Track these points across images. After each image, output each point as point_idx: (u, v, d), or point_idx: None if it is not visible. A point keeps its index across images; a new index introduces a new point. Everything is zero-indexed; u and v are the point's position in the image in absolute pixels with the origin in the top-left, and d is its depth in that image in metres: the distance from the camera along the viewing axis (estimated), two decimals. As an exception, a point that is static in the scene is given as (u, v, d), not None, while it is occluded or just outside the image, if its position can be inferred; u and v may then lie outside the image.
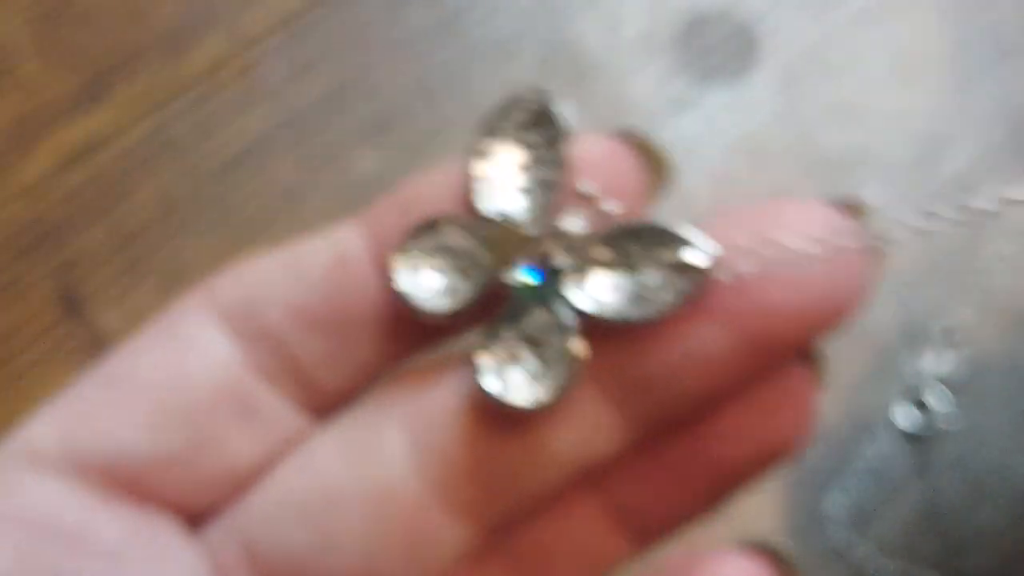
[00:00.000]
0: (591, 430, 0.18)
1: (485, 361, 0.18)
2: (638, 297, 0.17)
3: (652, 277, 0.17)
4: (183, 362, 0.19)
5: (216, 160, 0.36)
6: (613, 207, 0.18)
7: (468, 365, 0.18)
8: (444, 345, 0.19)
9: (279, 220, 0.35)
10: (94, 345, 0.34)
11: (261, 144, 0.36)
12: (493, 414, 0.18)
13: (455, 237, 0.18)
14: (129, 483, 0.18)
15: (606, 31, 0.37)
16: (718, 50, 0.37)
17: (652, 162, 0.19)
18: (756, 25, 0.38)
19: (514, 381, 0.17)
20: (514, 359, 0.18)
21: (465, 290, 0.18)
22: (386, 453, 0.18)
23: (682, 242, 0.17)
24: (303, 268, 0.19)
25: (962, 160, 0.36)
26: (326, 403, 0.19)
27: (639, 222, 0.18)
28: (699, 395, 0.17)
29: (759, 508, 0.32)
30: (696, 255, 0.17)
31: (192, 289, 0.20)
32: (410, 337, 0.19)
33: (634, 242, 0.18)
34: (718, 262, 0.17)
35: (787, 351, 0.17)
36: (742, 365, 0.17)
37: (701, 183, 0.35)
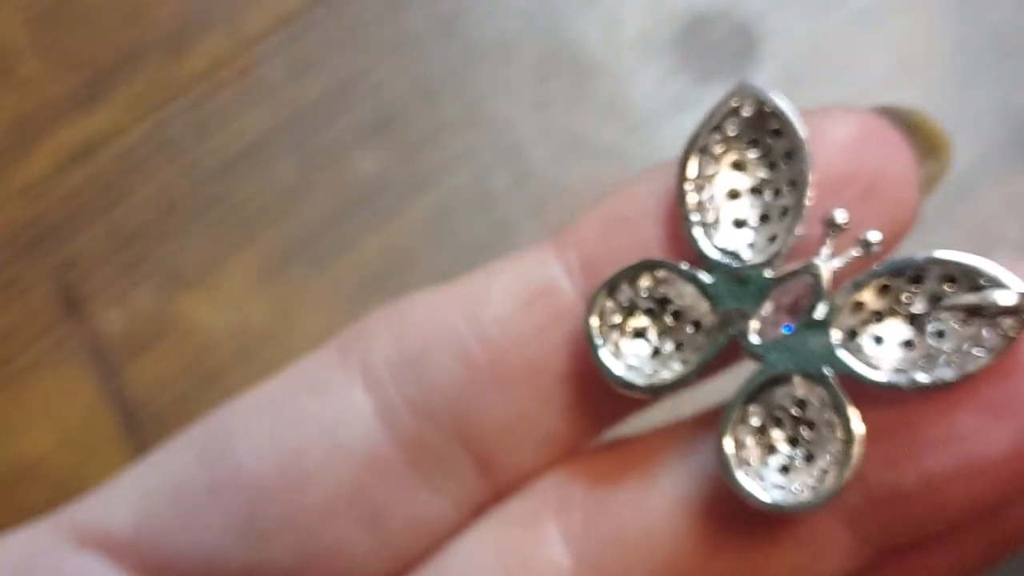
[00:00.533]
0: (816, 550, 0.13)
1: (732, 449, 0.13)
2: (930, 356, 0.13)
3: (947, 327, 0.13)
4: (307, 441, 0.14)
5: (216, 160, 0.36)
6: (875, 236, 0.13)
7: (690, 449, 0.14)
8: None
9: (279, 220, 0.35)
10: (94, 345, 0.34)
11: (261, 144, 0.36)
12: (719, 523, 0.14)
13: (667, 288, 0.14)
14: None
15: (606, 31, 0.37)
16: (718, 50, 0.37)
17: (928, 145, 0.14)
18: (756, 25, 0.38)
19: (772, 476, 0.13)
20: (769, 446, 0.14)
21: (686, 358, 0.14)
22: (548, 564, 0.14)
23: (981, 278, 0.13)
24: (486, 306, 0.14)
25: (962, 160, 0.36)
26: (496, 487, 0.15)
27: (917, 257, 0.14)
28: (964, 511, 0.13)
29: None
30: (1005, 295, 0.13)
31: (335, 337, 0.15)
32: (621, 405, 0.15)
33: (912, 283, 0.13)
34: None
35: None
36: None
37: (701, 183, 0.35)
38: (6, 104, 0.36)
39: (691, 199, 0.14)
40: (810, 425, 0.13)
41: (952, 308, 0.13)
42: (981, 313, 0.13)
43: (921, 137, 0.15)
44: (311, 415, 0.14)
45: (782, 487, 0.13)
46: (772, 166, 0.14)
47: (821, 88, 0.37)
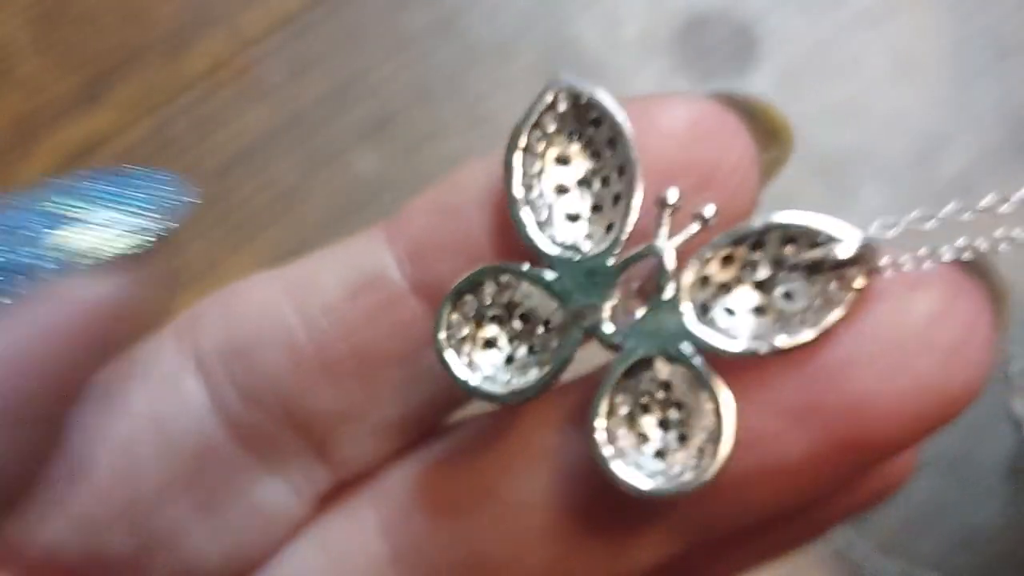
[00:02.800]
0: (629, 542, 0.14)
1: (605, 441, 0.13)
2: (784, 318, 0.13)
3: (795, 287, 0.13)
4: (139, 431, 0.14)
5: (216, 160, 0.36)
6: (711, 211, 0.13)
7: (542, 432, 0.14)
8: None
9: (279, 220, 0.35)
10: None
11: (261, 144, 0.36)
12: (532, 518, 0.13)
13: (512, 292, 0.14)
14: None
15: (606, 31, 0.37)
16: (718, 50, 0.37)
17: (768, 131, 0.14)
18: (756, 25, 0.38)
19: (649, 463, 0.13)
20: (641, 434, 0.13)
21: (542, 360, 0.14)
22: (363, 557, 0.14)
23: (819, 236, 0.13)
24: (315, 294, 0.14)
25: (962, 160, 0.36)
26: (338, 474, 0.15)
27: (754, 224, 0.14)
28: (766, 511, 0.13)
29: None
30: (844, 247, 0.13)
31: (164, 324, 0.15)
32: (454, 392, 0.14)
33: (754, 249, 0.13)
34: (872, 250, 0.13)
35: (886, 456, 0.13)
36: (825, 475, 0.13)
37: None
38: (7, 104, 0.36)
39: (520, 198, 0.14)
40: (678, 406, 0.13)
41: (795, 267, 0.13)
42: (824, 268, 0.13)
43: (761, 123, 0.14)
44: (143, 404, 0.14)
45: (662, 472, 0.13)
46: (596, 155, 0.14)
47: (821, 88, 0.37)
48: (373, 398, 0.14)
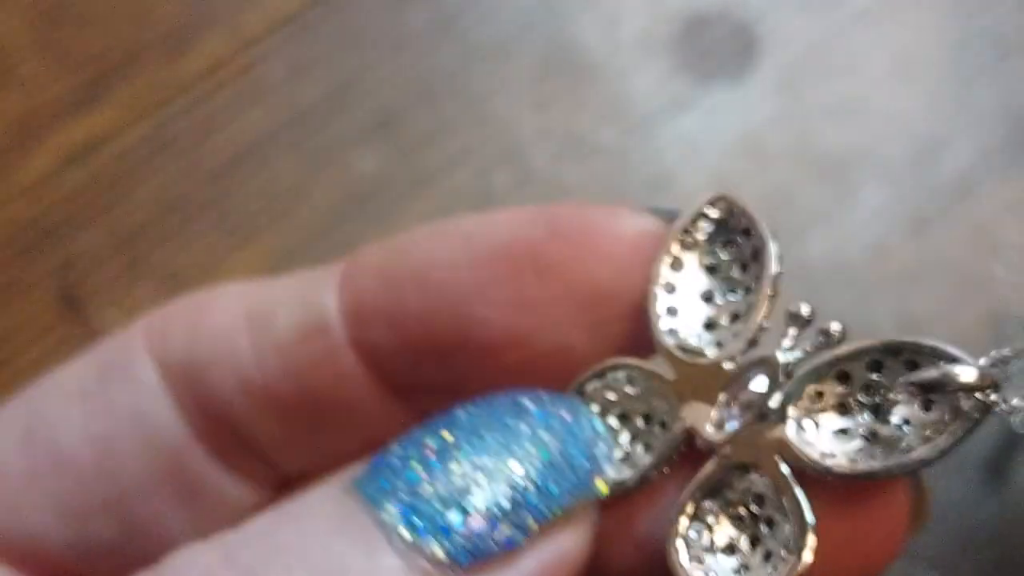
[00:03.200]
0: None
1: (684, 547, 0.13)
2: (890, 442, 0.13)
3: (909, 413, 0.13)
4: (118, 429, 0.15)
5: (216, 160, 0.36)
6: (837, 327, 0.13)
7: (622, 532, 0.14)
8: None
9: (279, 220, 0.35)
10: (94, 344, 0.34)
11: (261, 144, 0.36)
12: None
13: (622, 387, 0.14)
14: (51, 570, 0.15)
15: (605, 31, 0.37)
16: (718, 50, 0.37)
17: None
18: (756, 25, 0.38)
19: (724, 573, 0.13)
20: (725, 543, 0.13)
21: (642, 455, 0.14)
22: None
23: (938, 358, 0.13)
24: (270, 331, 0.15)
25: (962, 160, 0.36)
26: (290, 474, 0.16)
27: (875, 342, 0.13)
28: None
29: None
30: (965, 370, 0.12)
31: (134, 323, 0.16)
32: (402, 421, 0.16)
33: (874, 369, 0.13)
34: (987, 379, 0.12)
35: None
36: None
37: (701, 183, 0.35)
38: (7, 104, 0.36)
39: (663, 301, 0.14)
40: (768, 523, 0.13)
41: (911, 387, 0.13)
42: (944, 389, 0.13)
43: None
44: (121, 403, 0.15)
45: None
46: (743, 267, 0.14)
47: (821, 88, 0.37)
48: (311, 433, 0.16)
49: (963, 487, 0.32)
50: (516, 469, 0.13)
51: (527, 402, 0.14)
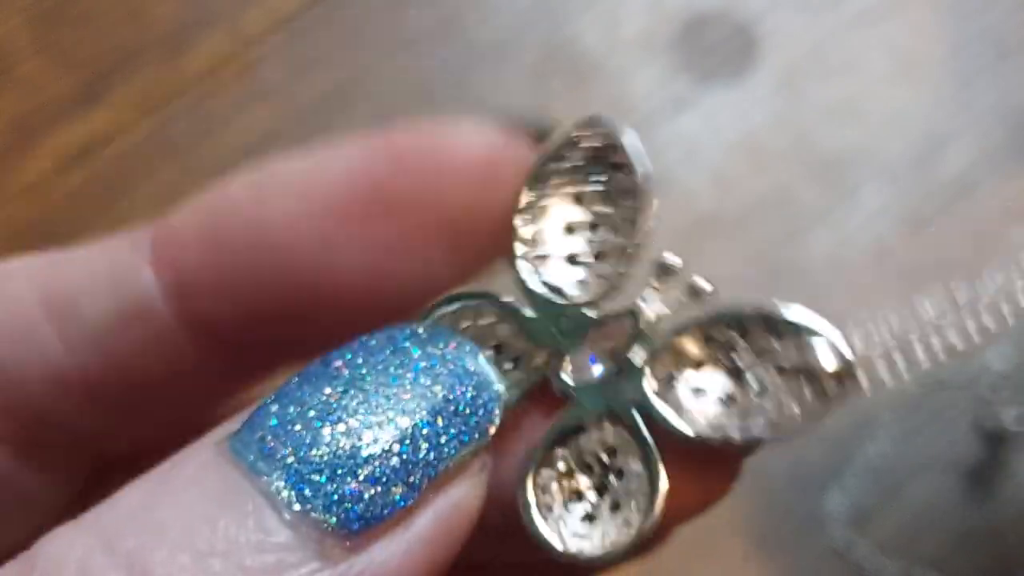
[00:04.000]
0: None
1: (534, 494, 0.13)
2: (747, 411, 0.13)
3: (769, 382, 0.13)
4: None
5: (216, 160, 0.36)
6: (705, 283, 0.13)
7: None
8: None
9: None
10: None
11: (261, 144, 0.36)
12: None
13: (486, 324, 0.14)
14: None
15: (605, 31, 0.37)
16: (718, 50, 0.37)
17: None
18: (756, 25, 0.38)
19: (574, 524, 0.13)
20: (576, 492, 0.13)
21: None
22: None
23: (807, 334, 0.12)
24: (79, 320, 0.14)
25: (962, 160, 0.36)
26: (112, 463, 0.15)
27: (744, 306, 0.13)
28: None
29: (760, 508, 0.32)
30: (828, 354, 0.12)
31: None
32: (251, 380, 0.15)
33: (739, 333, 0.13)
34: (860, 365, 0.12)
35: None
36: None
37: (701, 183, 0.35)
38: (6, 104, 0.36)
39: (523, 232, 0.14)
40: (619, 474, 0.13)
41: (775, 364, 0.13)
42: (805, 371, 0.12)
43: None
44: None
45: (582, 536, 0.13)
46: (612, 202, 0.14)
47: (821, 88, 0.37)
48: (143, 414, 0.14)
49: (962, 488, 0.32)
50: (403, 423, 0.12)
51: (408, 344, 0.13)
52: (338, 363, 0.12)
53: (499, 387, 0.13)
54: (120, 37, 0.37)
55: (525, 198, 0.14)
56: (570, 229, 0.14)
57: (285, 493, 0.12)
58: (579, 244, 0.14)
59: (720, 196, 0.35)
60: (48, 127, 0.36)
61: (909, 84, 0.37)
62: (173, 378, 0.14)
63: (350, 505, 0.12)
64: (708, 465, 0.13)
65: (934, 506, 0.32)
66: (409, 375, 0.12)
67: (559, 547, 0.13)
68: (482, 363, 0.13)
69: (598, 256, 0.14)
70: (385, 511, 0.12)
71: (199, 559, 0.11)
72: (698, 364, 0.13)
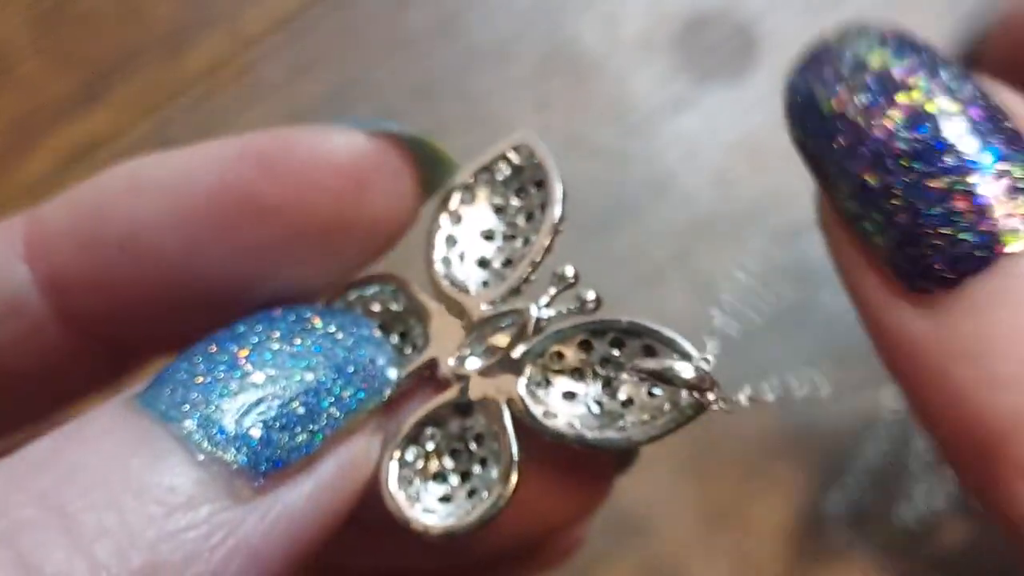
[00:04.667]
0: None
1: (396, 467, 0.14)
2: (611, 416, 0.14)
3: (635, 394, 0.14)
4: None
5: (216, 160, 0.36)
6: (592, 296, 0.14)
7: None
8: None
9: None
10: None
11: (261, 144, 0.36)
12: None
13: (395, 310, 0.15)
14: None
15: (605, 31, 0.37)
16: (717, 50, 0.37)
17: (427, 159, 0.15)
18: (755, 25, 0.38)
19: (429, 500, 0.14)
20: (438, 473, 0.14)
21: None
22: None
23: (676, 351, 0.14)
24: None
25: (962, 160, 0.36)
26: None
27: (623, 321, 0.14)
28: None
29: (760, 508, 0.32)
30: (688, 370, 0.13)
31: None
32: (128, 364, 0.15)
33: (614, 345, 0.14)
34: (705, 380, 0.13)
35: None
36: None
37: (701, 183, 0.35)
38: (6, 104, 0.36)
39: (444, 230, 0.15)
40: (482, 462, 0.14)
41: (640, 372, 0.14)
42: (666, 382, 0.13)
43: (427, 157, 0.15)
44: None
45: (432, 511, 0.14)
46: (529, 216, 0.15)
47: (821, 88, 0.37)
48: (18, 405, 0.15)
49: (962, 492, 0.32)
50: (307, 377, 0.13)
51: (310, 315, 0.14)
52: (244, 327, 0.13)
53: (395, 355, 0.14)
54: (120, 37, 0.37)
55: (454, 202, 0.15)
56: (489, 236, 0.15)
57: (196, 436, 0.12)
58: (491, 250, 0.15)
59: (720, 196, 0.35)
60: (48, 127, 0.36)
61: (909, 84, 0.37)
62: (45, 371, 0.15)
63: (259, 448, 0.13)
64: (575, 470, 0.14)
65: (934, 506, 0.32)
66: (311, 339, 0.14)
67: (404, 513, 0.14)
68: (379, 336, 0.14)
69: (506, 263, 0.15)
70: (291, 455, 0.13)
71: (112, 496, 0.11)
72: (573, 371, 0.14)
